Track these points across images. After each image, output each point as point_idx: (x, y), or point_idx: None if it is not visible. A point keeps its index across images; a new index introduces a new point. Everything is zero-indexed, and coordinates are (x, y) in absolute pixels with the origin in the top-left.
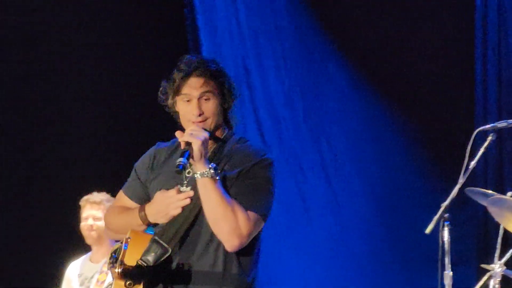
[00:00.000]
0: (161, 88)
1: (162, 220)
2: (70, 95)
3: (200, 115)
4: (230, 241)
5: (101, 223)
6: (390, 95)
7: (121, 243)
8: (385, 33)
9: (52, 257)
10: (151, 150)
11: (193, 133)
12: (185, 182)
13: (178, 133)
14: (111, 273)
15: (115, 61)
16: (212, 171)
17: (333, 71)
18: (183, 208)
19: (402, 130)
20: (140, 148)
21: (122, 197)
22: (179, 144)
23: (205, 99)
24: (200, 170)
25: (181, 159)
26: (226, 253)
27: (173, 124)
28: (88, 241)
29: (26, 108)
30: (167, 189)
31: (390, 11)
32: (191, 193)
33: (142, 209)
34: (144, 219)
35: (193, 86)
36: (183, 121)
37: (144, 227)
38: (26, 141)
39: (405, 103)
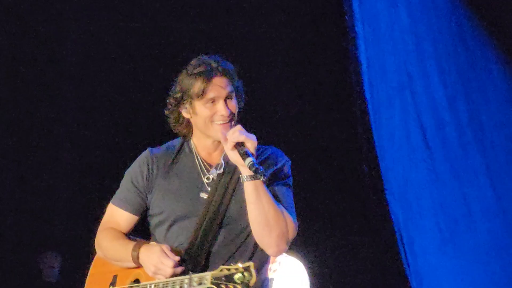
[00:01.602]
0: (175, 95)
1: (147, 271)
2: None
3: (229, 115)
4: (279, 245)
5: None
6: None
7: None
8: None
9: None
10: (146, 158)
11: (245, 134)
12: (208, 188)
13: (220, 132)
14: None
15: (272, 67)
16: (263, 172)
17: (496, 74)
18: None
19: None
20: None
21: (116, 212)
22: (180, 148)
23: (229, 98)
24: (251, 173)
25: (251, 159)
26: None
27: None
28: None
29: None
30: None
31: None
32: (179, 271)
33: (136, 248)
34: (136, 260)
35: (220, 86)
36: (205, 123)
37: (133, 265)
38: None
39: None
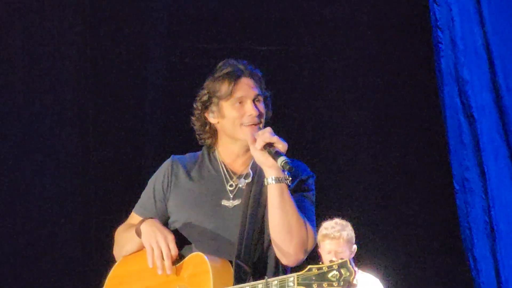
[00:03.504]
0: (202, 98)
1: (143, 237)
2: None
3: (258, 115)
4: (297, 254)
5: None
6: None
7: None
8: None
9: None
10: (168, 165)
11: (274, 135)
12: (231, 195)
13: (249, 134)
14: None
15: (363, 84)
16: (289, 177)
17: None
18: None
19: None
20: None
21: (135, 219)
22: (203, 156)
23: (257, 101)
24: (278, 175)
25: (284, 158)
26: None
27: None
28: None
29: None
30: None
31: None
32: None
33: (141, 222)
34: (139, 233)
35: (249, 86)
36: (233, 125)
37: (138, 239)
38: None
39: None
